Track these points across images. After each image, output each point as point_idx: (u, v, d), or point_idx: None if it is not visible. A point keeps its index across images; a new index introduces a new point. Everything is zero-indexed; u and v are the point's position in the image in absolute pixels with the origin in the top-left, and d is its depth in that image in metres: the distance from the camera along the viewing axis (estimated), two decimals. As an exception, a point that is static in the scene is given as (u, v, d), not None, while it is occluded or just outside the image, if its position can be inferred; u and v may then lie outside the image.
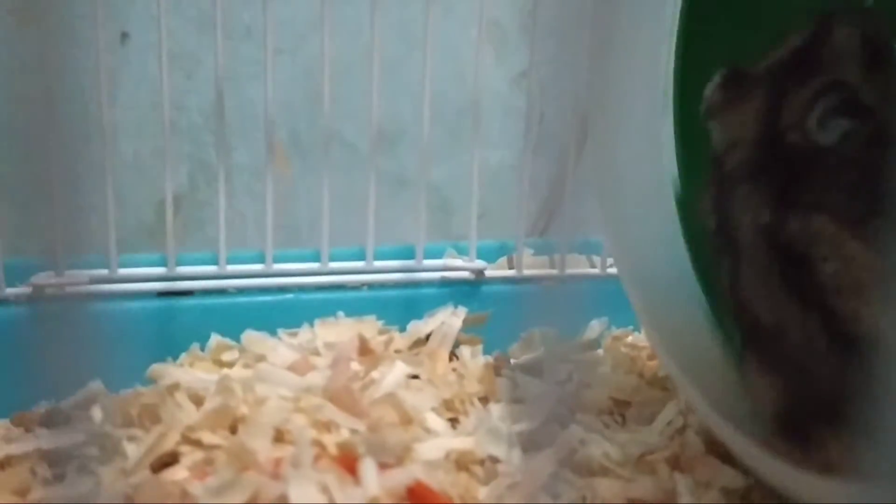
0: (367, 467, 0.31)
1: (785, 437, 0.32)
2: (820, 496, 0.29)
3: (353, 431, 0.34)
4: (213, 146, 0.43)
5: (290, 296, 0.47)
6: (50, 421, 0.40)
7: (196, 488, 0.31)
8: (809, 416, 0.31)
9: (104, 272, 0.43)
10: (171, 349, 0.43)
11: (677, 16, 0.39)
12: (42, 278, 0.42)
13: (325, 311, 0.46)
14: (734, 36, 0.37)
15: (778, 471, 0.31)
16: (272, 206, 0.45)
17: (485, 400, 0.42)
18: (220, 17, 0.42)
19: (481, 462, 0.36)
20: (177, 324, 0.45)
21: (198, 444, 0.33)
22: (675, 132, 0.40)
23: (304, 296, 0.47)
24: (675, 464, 0.37)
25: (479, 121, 0.46)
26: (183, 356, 0.43)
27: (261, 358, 0.42)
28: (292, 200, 0.63)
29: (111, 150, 0.42)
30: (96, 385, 0.41)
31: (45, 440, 0.34)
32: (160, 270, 0.44)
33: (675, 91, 0.40)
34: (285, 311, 0.46)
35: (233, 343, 0.44)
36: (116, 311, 0.44)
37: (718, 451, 0.36)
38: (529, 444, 0.38)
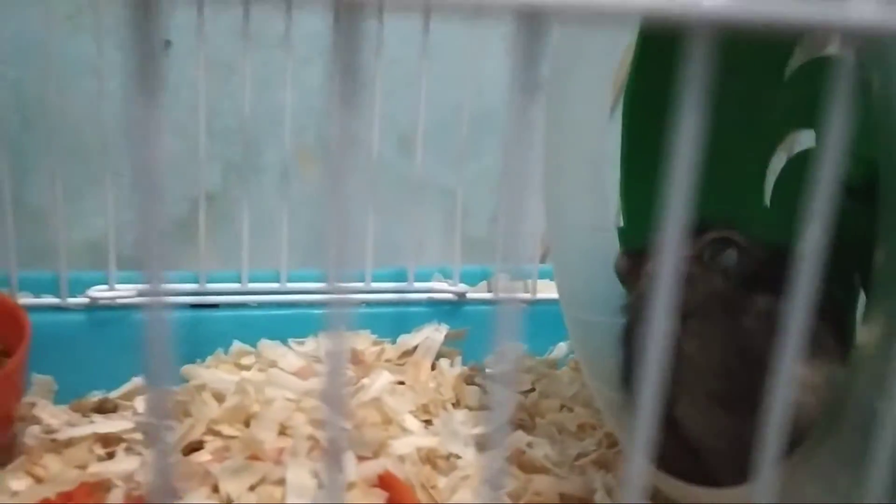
0: (348, 459, 0.40)
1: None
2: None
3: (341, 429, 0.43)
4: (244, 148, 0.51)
5: (301, 311, 0.55)
6: (101, 408, 0.50)
7: (215, 469, 0.40)
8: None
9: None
10: (201, 352, 0.52)
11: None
12: (97, 291, 0.51)
13: (330, 323, 0.54)
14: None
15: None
16: (287, 225, 0.53)
17: (458, 405, 0.50)
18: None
19: (446, 458, 0.45)
20: (206, 331, 0.54)
21: (218, 434, 0.42)
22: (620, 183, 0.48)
23: (313, 311, 0.56)
24: (602, 465, 0.45)
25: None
26: (209, 359, 0.52)
27: (273, 363, 0.51)
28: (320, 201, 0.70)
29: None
30: (138, 380, 0.51)
31: (99, 426, 0.43)
32: (193, 286, 0.53)
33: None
34: (297, 324, 0.54)
35: (250, 349, 0.52)
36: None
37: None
38: (487, 444, 0.46)
